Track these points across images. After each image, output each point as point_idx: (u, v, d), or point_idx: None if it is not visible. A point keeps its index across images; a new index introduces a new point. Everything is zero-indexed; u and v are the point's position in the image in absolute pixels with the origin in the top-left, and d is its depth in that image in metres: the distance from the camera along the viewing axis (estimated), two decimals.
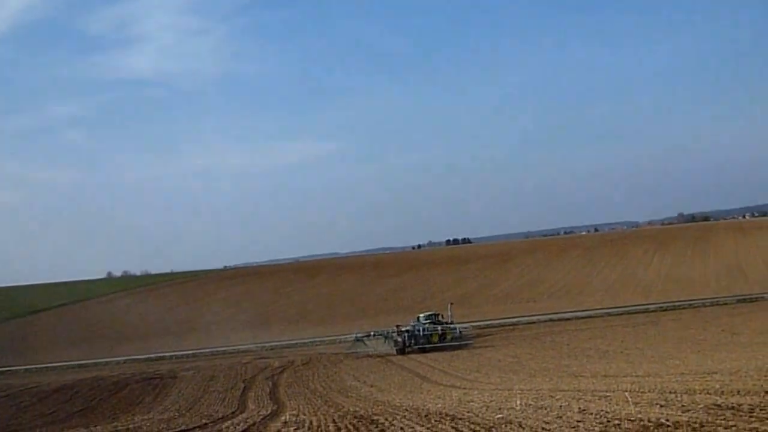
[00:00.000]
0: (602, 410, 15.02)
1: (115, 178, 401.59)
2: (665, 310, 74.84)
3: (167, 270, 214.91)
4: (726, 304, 74.94)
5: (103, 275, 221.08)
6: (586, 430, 12.38)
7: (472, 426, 14.95)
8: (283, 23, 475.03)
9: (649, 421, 12.52)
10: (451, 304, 72.22)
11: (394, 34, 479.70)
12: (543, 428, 13.23)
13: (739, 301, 75.87)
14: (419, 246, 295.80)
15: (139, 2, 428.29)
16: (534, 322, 75.17)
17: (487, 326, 74.62)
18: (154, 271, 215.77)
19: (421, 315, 65.01)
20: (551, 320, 75.40)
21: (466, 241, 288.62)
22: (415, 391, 33.53)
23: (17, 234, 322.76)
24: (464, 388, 31.50)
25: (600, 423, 13.00)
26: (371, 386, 38.68)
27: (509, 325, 75.14)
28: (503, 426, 14.30)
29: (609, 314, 75.30)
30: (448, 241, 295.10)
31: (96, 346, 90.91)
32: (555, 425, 13.42)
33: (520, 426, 14.03)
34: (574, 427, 12.80)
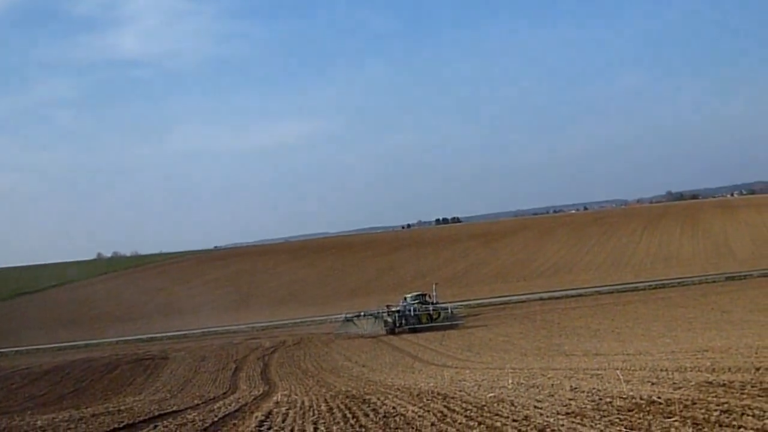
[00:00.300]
0: (594, 388, 15.04)
1: (104, 159, 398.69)
2: (654, 288, 75.24)
3: (157, 251, 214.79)
4: (715, 282, 75.47)
5: (92, 256, 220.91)
6: (578, 408, 12.37)
7: (464, 405, 14.93)
8: (269, 3, 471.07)
9: (641, 398, 12.54)
10: (436, 284, 72.05)
11: (379, 13, 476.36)
12: (535, 407, 13.22)
13: (727, 278, 76.38)
14: (409, 225, 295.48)
15: None
16: (524, 301, 75.55)
17: (478, 305, 74.99)
18: (143, 252, 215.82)
19: (408, 295, 64.35)
20: (542, 299, 75.81)
21: (455, 220, 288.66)
22: (406, 370, 33.56)
23: (5, 216, 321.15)
24: (456, 368, 31.57)
25: (592, 401, 13.00)
26: (363, 366, 38.72)
27: (500, 304, 75.48)
28: (495, 405, 14.27)
29: (599, 293, 75.71)
30: (437, 221, 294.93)
31: (87, 328, 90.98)
32: (547, 403, 13.42)
33: (512, 404, 14.03)
34: (565, 405, 12.80)
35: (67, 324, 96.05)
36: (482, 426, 11.82)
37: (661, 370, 17.44)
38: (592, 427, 10.48)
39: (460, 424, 12.50)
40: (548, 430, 10.66)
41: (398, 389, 21.86)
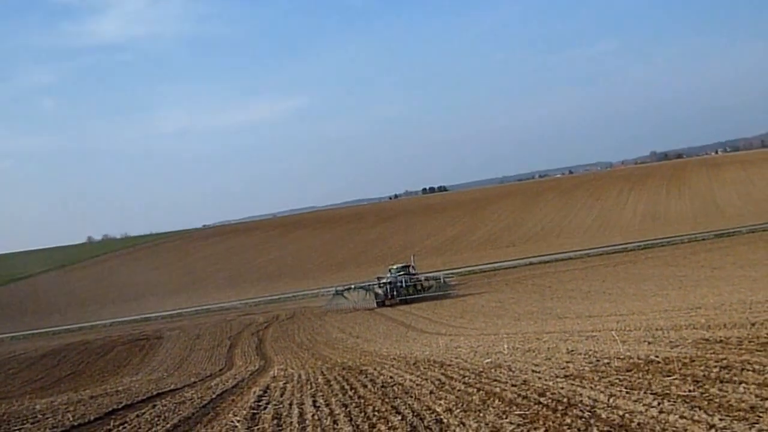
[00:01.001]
0: (590, 350, 15.04)
1: (90, 143, 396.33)
2: (644, 248, 75.67)
3: (147, 232, 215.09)
4: (704, 240, 75.94)
5: (83, 240, 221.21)
6: (575, 370, 12.35)
7: (461, 372, 14.90)
8: None
9: (638, 358, 12.54)
10: (414, 255, 71.81)
11: None
12: (533, 370, 13.20)
13: (716, 236, 76.86)
14: (396, 196, 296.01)
15: None
16: (515, 267, 75.84)
17: (469, 272, 75.27)
18: (134, 234, 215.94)
19: (393, 267, 62.87)
20: (531, 263, 76.13)
21: (442, 189, 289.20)
22: (401, 340, 33.62)
23: None
24: (450, 335, 31.64)
25: (589, 363, 12.98)
26: (357, 337, 38.79)
27: (490, 270, 75.75)
28: (493, 370, 14.25)
29: (588, 255, 76.07)
30: (424, 190, 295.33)
31: (80, 311, 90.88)
32: (545, 367, 13.40)
33: (510, 369, 14.00)
34: (563, 368, 12.78)
35: (60, 308, 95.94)
36: (481, 392, 11.77)
37: (656, 329, 17.47)
38: (591, 388, 10.46)
39: (458, 390, 12.46)
40: (548, 393, 10.62)
41: (394, 359, 21.85)
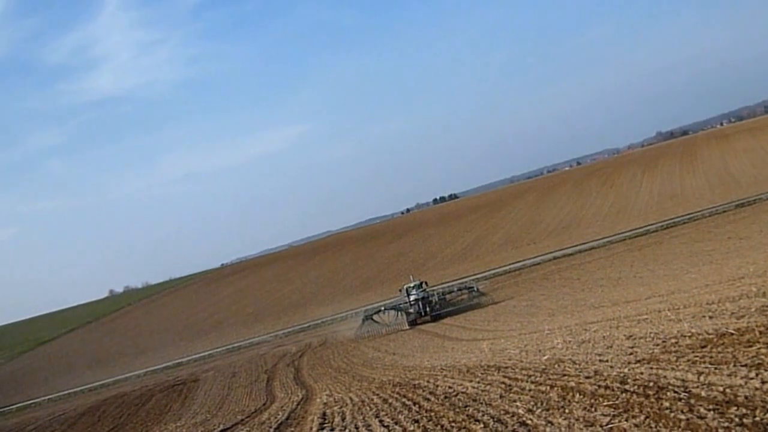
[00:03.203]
0: (650, 332, 14.49)
1: (100, 198, 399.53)
2: (666, 228, 74.65)
3: (166, 278, 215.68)
4: (725, 212, 74.88)
5: (105, 294, 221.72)
6: (645, 354, 11.81)
7: (523, 372, 14.37)
8: (235, 20, 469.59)
9: (707, 333, 12.03)
10: (412, 275, 67.31)
11: (344, 8, 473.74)
12: (600, 360, 12.67)
13: (737, 206, 75.82)
14: (408, 210, 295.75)
15: (91, 25, 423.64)
16: (538, 263, 75.05)
17: (493, 275, 74.45)
18: (154, 282, 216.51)
19: (410, 285, 57.28)
20: (555, 258, 75.30)
21: (453, 197, 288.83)
22: (439, 351, 33.03)
23: (13, 269, 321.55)
24: (489, 339, 31.05)
25: (656, 344, 12.45)
26: (393, 354, 38.19)
27: (514, 270, 74.97)
28: (556, 366, 13.72)
29: (611, 242, 75.16)
30: (435, 200, 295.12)
31: (112, 365, 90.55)
32: (611, 355, 12.88)
33: (574, 362, 13.47)
34: (630, 354, 12.25)
35: (91, 365, 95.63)
36: (556, 389, 11.26)
37: (708, 304, 16.93)
38: (673, 369, 9.96)
39: (530, 391, 11.95)
40: (629, 380, 10.10)
41: (441, 369, 21.33)
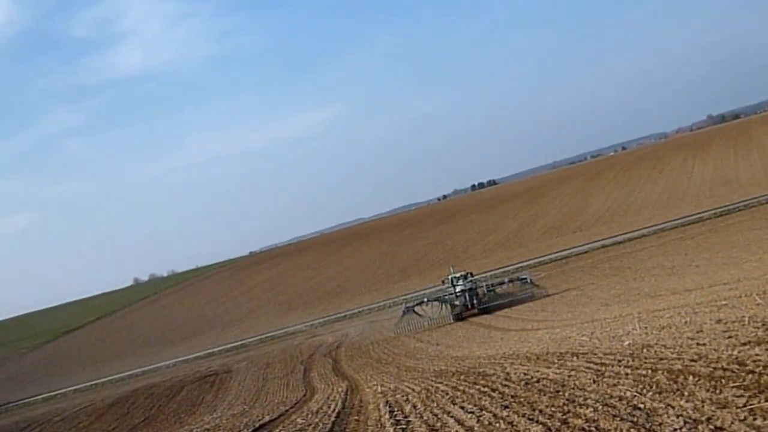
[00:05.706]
0: (740, 317, 12.95)
1: (123, 182, 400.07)
2: (720, 215, 71.61)
3: (192, 266, 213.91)
4: None
5: (130, 282, 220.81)
6: (749, 337, 10.62)
7: (609, 357, 13.40)
8: None
9: None
10: (452, 266, 61.34)
11: None
12: (697, 344, 11.40)
13: None
14: (445, 196, 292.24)
15: None
16: (586, 252, 72.59)
17: (539, 264, 72.07)
18: (180, 270, 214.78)
19: (454, 275, 52.04)
20: (604, 246, 72.78)
21: (491, 183, 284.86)
22: (487, 341, 31.29)
23: (36, 256, 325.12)
24: (542, 329, 29.14)
25: (756, 327, 11.19)
26: (437, 344, 36.49)
27: (561, 258, 72.65)
28: (644, 351, 12.49)
29: (662, 230, 72.43)
30: (473, 186, 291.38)
31: (140, 355, 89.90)
32: (706, 338, 11.87)
33: (665, 347, 12.22)
34: (730, 337, 11.05)
35: (119, 354, 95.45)
36: (663, 372, 10.51)
37: None
38: None
39: (628, 375, 11.14)
40: (749, 361, 8.79)
41: (502, 358, 19.75)
